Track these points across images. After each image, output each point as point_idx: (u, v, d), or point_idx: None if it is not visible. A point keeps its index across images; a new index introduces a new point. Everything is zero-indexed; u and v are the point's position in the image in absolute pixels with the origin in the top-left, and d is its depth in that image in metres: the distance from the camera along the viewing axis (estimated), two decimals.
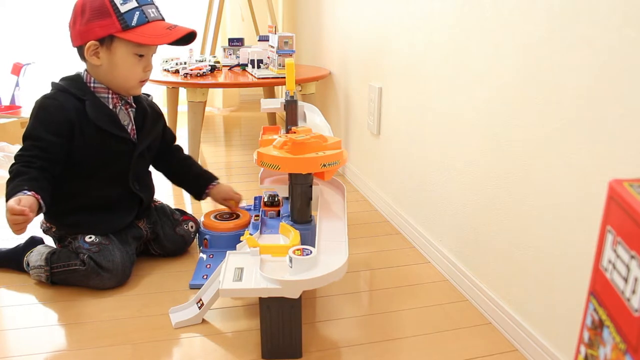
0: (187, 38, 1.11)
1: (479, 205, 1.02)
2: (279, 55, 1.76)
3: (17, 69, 2.55)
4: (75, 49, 1.09)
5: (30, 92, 2.67)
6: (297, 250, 0.85)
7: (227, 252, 0.91)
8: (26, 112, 2.45)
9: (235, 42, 2.17)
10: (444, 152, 1.15)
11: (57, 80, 1.10)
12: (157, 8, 1.10)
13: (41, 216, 1.11)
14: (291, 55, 1.74)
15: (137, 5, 1.04)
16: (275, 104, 1.29)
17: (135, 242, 1.16)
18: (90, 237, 1.07)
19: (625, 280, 0.34)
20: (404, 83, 1.34)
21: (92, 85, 1.09)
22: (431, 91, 1.19)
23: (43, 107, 1.05)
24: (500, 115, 0.94)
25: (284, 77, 1.70)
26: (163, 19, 1.11)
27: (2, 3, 2.62)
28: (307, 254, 0.84)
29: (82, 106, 1.06)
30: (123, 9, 1.03)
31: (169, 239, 1.20)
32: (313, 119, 1.22)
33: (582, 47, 0.73)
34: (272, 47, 1.82)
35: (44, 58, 2.69)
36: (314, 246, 0.88)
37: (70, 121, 1.04)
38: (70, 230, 1.10)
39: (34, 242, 1.15)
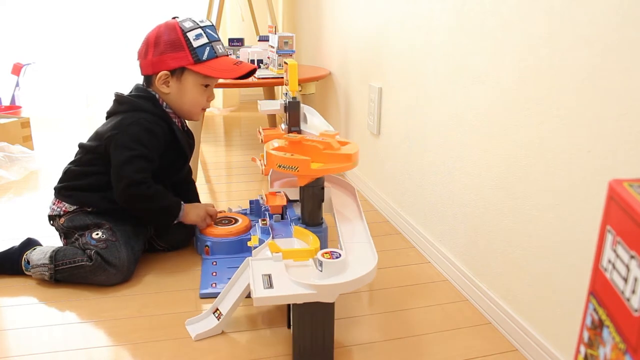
0: (248, 73, 1.22)
1: (479, 205, 1.02)
2: (279, 56, 1.76)
3: (17, 69, 2.55)
4: (143, 77, 1.19)
5: (30, 92, 2.68)
6: (326, 253, 0.83)
7: (248, 258, 0.87)
8: (26, 112, 2.45)
9: (235, 42, 2.17)
10: (444, 152, 1.15)
11: (132, 95, 1.18)
12: (223, 45, 1.19)
13: (51, 198, 1.19)
14: (291, 56, 1.74)
15: (207, 41, 1.15)
16: (274, 106, 1.29)
17: (138, 239, 1.16)
18: (97, 234, 1.10)
19: (625, 280, 0.34)
20: (404, 83, 1.34)
21: (166, 109, 1.19)
22: (431, 91, 1.19)
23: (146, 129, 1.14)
24: (500, 115, 0.94)
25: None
26: (228, 55, 1.21)
27: (2, 3, 2.62)
28: (336, 257, 0.82)
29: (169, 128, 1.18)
30: (195, 44, 1.13)
31: (170, 230, 1.21)
32: (313, 121, 1.21)
33: (582, 47, 0.73)
34: (272, 47, 1.82)
35: (44, 58, 2.69)
36: (326, 248, 0.87)
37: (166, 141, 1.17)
38: (110, 217, 1.13)
39: (31, 243, 1.15)
